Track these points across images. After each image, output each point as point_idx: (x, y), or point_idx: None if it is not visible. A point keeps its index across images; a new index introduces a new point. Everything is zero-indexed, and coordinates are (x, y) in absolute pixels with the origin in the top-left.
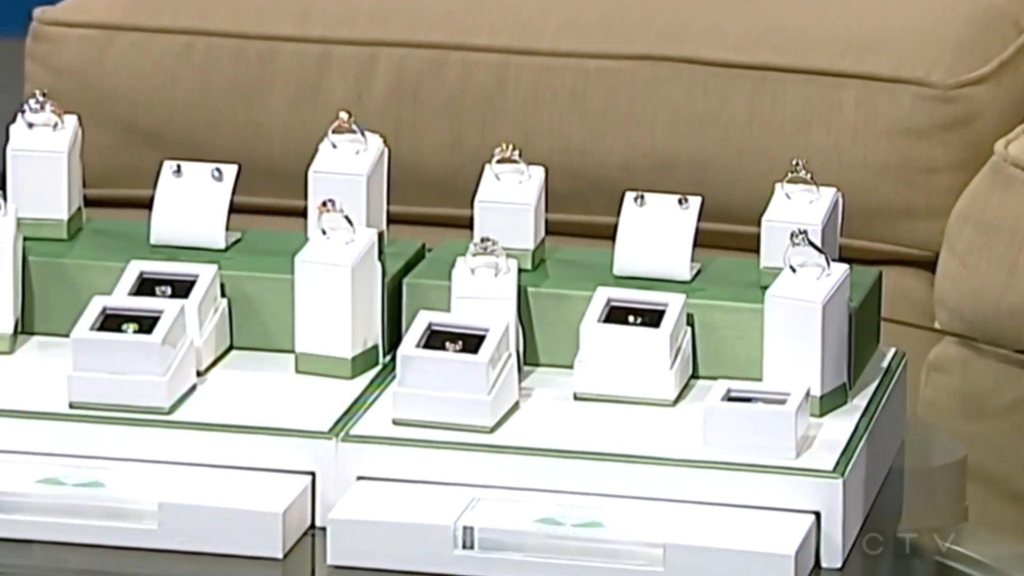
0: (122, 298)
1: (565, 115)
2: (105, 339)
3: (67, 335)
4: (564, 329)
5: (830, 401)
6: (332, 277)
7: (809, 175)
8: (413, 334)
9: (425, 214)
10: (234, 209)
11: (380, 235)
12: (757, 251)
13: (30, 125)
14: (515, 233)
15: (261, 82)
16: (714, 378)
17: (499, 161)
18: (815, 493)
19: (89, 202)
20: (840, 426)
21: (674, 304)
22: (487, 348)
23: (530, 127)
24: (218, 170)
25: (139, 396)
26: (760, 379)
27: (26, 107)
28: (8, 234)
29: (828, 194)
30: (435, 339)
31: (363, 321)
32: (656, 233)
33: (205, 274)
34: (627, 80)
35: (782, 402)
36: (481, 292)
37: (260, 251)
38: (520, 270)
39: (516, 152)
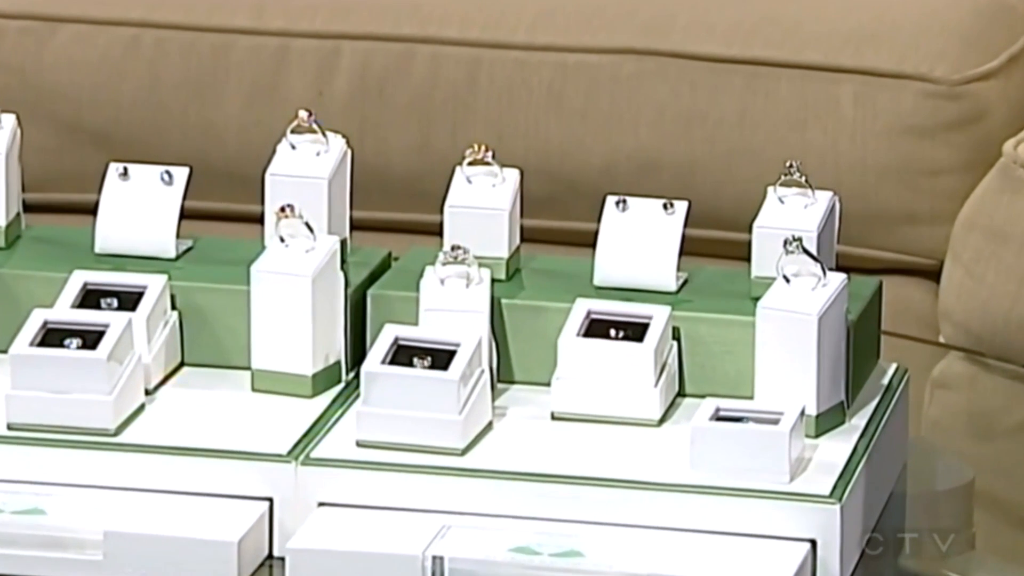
0: (64, 311)
1: (542, 113)
2: (46, 355)
3: (5, 351)
4: (541, 344)
5: (826, 421)
6: (291, 288)
7: (804, 178)
8: (378, 349)
9: (391, 220)
10: (185, 215)
11: (343, 243)
12: (748, 260)
13: None
14: (488, 240)
15: (215, 78)
16: (702, 396)
17: (471, 163)
18: (810, 519)
19: (29, 207)
20: (837, 448)
21: (659, 317)
22: (458, 364)
23: (504, 126)
24: (168, 173)
25: (83, 416)
26: (751, 397)
27: None
28: None
29: (824, 198)
30: (402, 355)
31: (324, 335)
32: (639, 240)
33: (154, 285)
34: (608, 76)
35: (775, 422)
36: (451, 304)
37: (213, 260)
38: (493, 280)
39: (489, 153)
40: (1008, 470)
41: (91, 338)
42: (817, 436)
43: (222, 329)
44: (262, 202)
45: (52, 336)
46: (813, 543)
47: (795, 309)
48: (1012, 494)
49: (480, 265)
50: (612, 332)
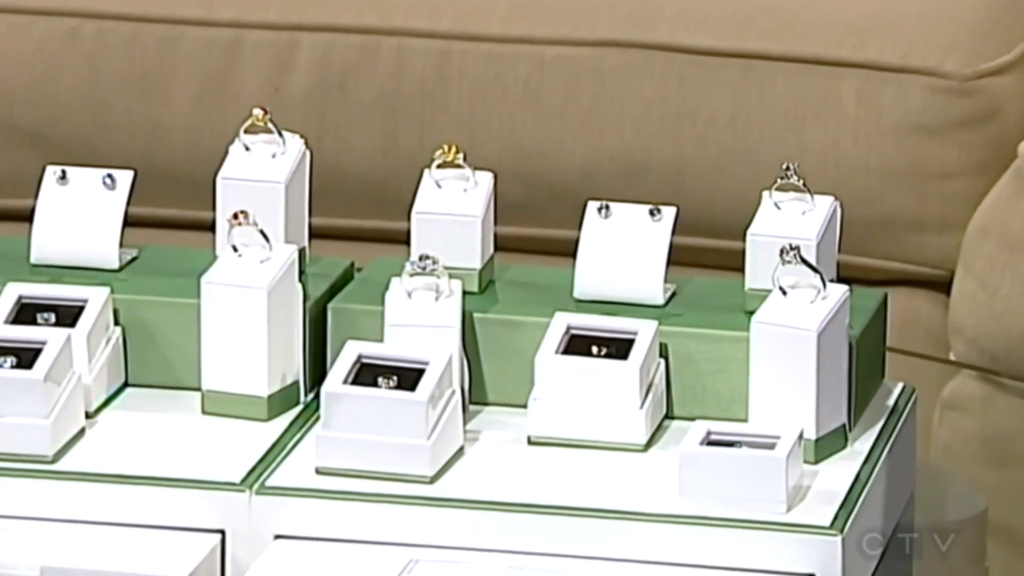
0: None
1: (518, 111)
2: None
3: None
4: (516, 362)
5: (827, 445)
6: (244, 302)
7: (802, 181)
8: (340, 368)
9: (354, 227)
10: (129, 222)
11: (301, 252)
12: (741, 270)
13: None
14: (459, 249)
15: (161, 73)
16: (692, 419)
17: (440, 165)
18: (810, 553)
19: None
20: (839, 474)
21: (645, 332)
22: (427, 384)
23: (477, 125)
24: (110, 176)
25: (18, 442)
26: (745, 420)
27: None
28: None
29: (824, 203)
30: (366, 374)
31: (281, 353)
32: (624, 249)
33: (95, 298)
34: (590, 70)
35: (771, 446)
36: (419, 319)
37: (160, 271)
38: (465, 293)
39: (460, 155)
40: None
41: (27, 356)
42: (817, 462)
43: (169, 347)
44: (213, 208)
45: None
46: None
47: (792, 324)
48: None
49: (450, 276)
50: (594, 349)
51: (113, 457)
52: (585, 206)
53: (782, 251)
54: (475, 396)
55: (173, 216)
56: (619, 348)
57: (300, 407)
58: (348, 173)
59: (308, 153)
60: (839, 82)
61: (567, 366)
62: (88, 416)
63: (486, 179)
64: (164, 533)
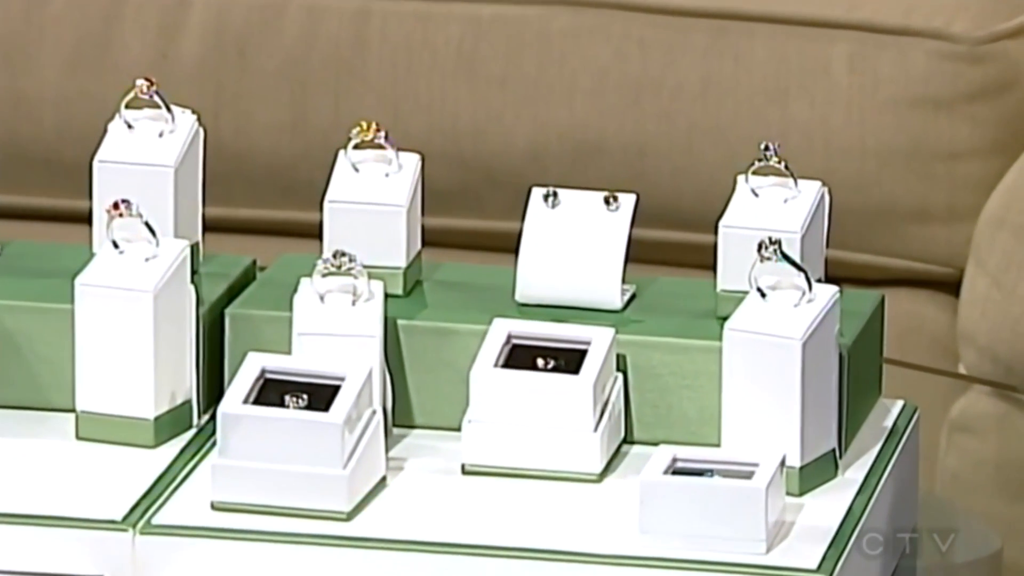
0: None
1: (449, 81)
2: None
3: None
4: (448, 377)
5: (814, 474)
6: (127, 307)
7: (784, 163)
8: (240, 385)
9: (256, 219)
10: None
11: (193, 248)
12: (713, 268)
13: None
14: (380, 245)
15: (27, 38)
16: (655, 443)
17: (358, 146)
18: None
19: None
20: (827, 509)
21: (599, 341)
22: (342, 404)
23: (401, 98)
24: None
25: None
26: (718, 444)
27: None
28: None
29: (811, 189)
30: (270, 392)
31: (170, 368)
32: (575, 243)
33: None
34: (535, 33)
35: (748, 476)
36: (334, 327)
37: (25, 271)
38: (387, 296)
39: (381, 133)
40: None
41: None
42: (801, 494)
43: (38, 361)
44: (89, 197)
45: None
46: None
47: (773, 332)
48: None
49: (370, 276)
50: (539, 361)
51: None
52: (529, 193)
53: (760, 246)
54: (399, 417)
55: (42, 206)
56: (569, 360)
57: (193, 431)
58: (249, 155)
59: (201, 131)
60: (828, 47)
61: (508, 382)
62: None
63: (412, 161)
64: None
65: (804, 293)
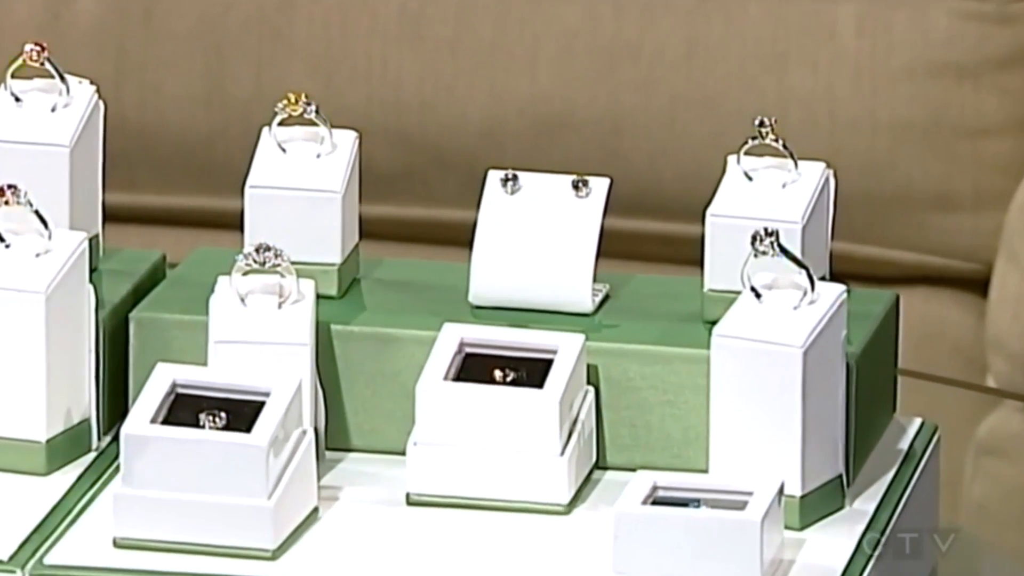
0: None
1: (391, 47)
2: None
3: None
4: (391, 392)
5: (817, 505)
6: (14, 311)
7: (782, 142)
8: (147, 401)
9: (165, 207)
10: None
11: (92, 241)
12: (700, 264)
13: None
14: (311, 237)
15: None
16: (632, 469)
17: (284, 122)
18: None
19: None
20: (833, 544)
21: (567, 350)
22: (266, 423)
23: (334, 67)
24: None
25: None
26: (705, 470)
27: None
28: None
29: (813, 172)
30: (183, 409)
31: (65, 381)
32: (538, 236)
33: None
34: None
35: (740, 506)
36: (257, 333)
37: None
38: (319, 297)
39: (312, 107)
40: None
41: None
42: (803, 527)
43: None
44: None
45: None
46: None
47: (769, 338)
48: None
49: (300, 275)
50: (497, 373)
51: None
52: (485, 176)
53: (754, 238)
54: (334, 439)
55: None
56: (532, 372)
57: (92, 455)
58: (157, 132)
59: (102, 105)
60: (833, 6)
61: (460, 397)
62: None
63: (348, 140)
64: None
65: (805, 293)
